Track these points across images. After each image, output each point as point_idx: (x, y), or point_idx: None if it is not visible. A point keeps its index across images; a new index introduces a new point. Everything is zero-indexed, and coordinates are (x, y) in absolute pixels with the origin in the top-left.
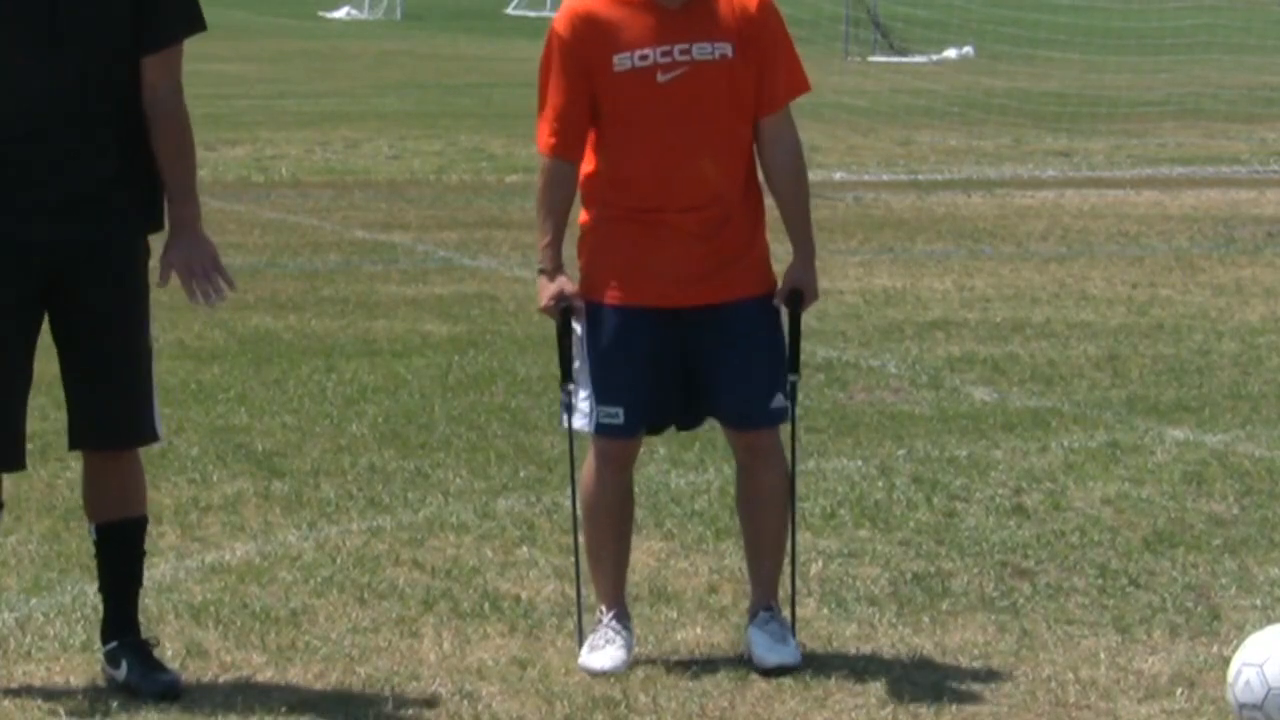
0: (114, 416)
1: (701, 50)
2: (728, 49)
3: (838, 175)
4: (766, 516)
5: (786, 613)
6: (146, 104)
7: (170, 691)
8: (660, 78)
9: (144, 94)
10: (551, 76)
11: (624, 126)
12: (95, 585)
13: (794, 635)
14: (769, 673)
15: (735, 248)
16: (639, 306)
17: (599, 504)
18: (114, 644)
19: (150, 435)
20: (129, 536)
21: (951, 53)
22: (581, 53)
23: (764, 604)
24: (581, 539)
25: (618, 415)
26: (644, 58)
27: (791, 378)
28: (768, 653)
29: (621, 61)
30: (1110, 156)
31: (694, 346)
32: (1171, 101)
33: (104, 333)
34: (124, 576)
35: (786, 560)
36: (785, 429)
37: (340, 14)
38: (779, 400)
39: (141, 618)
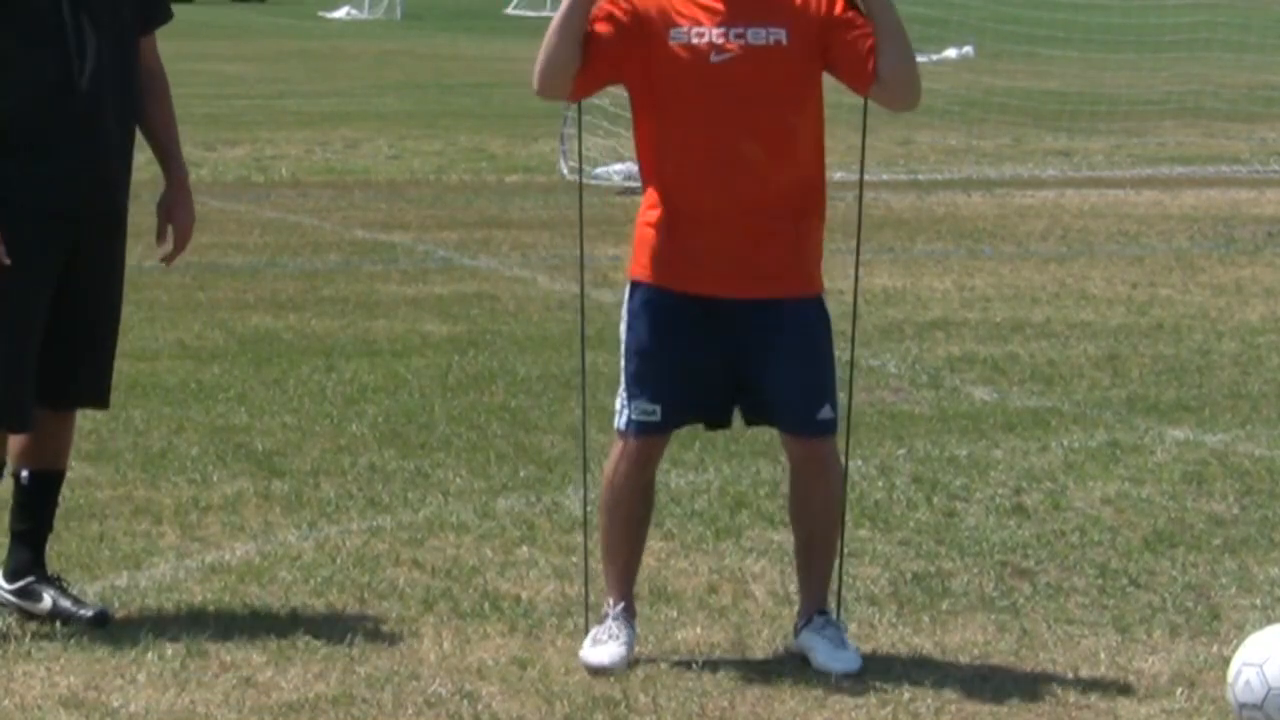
0: (99, 378)
1: (756, 35)
2: (782, 35)
3: (838, 175)
4: (819, 524)
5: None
6: (145, 78)
7: (103, 619)
8: (713, 58)
9: (141, 69)
10: (597, 22)
11: (673, 103)
12: (91, 583)
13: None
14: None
15: (785, 246)
16: (681, 293)
17: (621, 502)
18: (29, 580)
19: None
20: (55, 485)
21: (951, 52)
22: (642, 15)
23: (817, 608)
24: (596, 536)
25: (655, 412)
26: (700, 35)
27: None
28: (830, 660)
29: (677, 35)
30: (1110, 156)
31: (740, 347)
32: (1171, 101)
33: (101, 299)
34: (45, 520)
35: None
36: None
37: (340, 14)
38: (824, 412)
39: (142, 617)
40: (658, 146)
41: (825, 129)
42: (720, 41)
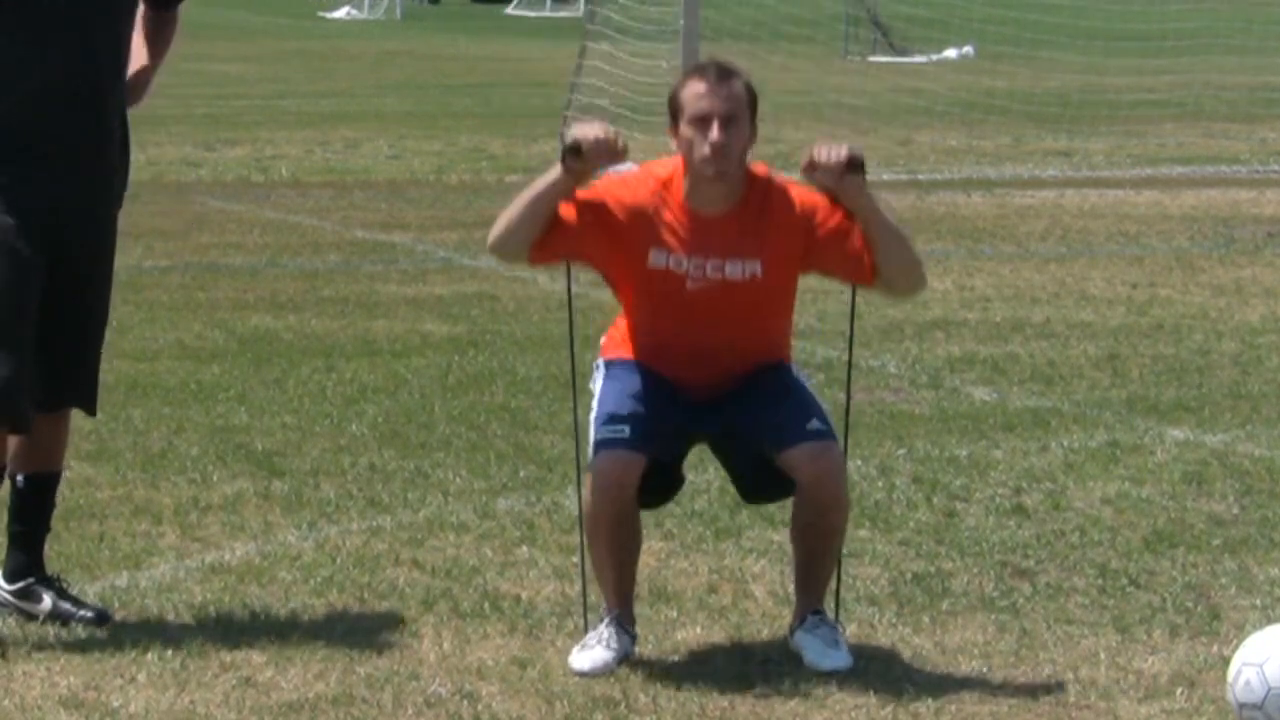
0: (86, 378)
1: (732, 269)
2: (756, 267)
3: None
4: (823, 548)
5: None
6: (157, 30)
7: (103, 619)
8: (689, 285)
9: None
10: (578, 207)
11: (648, 309)
12: (91, 583)
13: (844, 637)
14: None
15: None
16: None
17: (601, 530)
18: (29, 580)
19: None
20: (51, 487)
21: (951, 53)
22: (623, 225)
23: (812, 608)
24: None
25: (623, 430)
26: (678, 264)
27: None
28: (821, 658)
29: (656, 259)
30: (1110, 156)
31: (716, 419)
32: (1171, 101)
33: (91, 296)
34: (42, 522)
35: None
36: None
37: (340, 14)
38: (815, 424)
39: (142, 617)
40: (632, 320)
41: (826, 129)
42: (697, 274)
